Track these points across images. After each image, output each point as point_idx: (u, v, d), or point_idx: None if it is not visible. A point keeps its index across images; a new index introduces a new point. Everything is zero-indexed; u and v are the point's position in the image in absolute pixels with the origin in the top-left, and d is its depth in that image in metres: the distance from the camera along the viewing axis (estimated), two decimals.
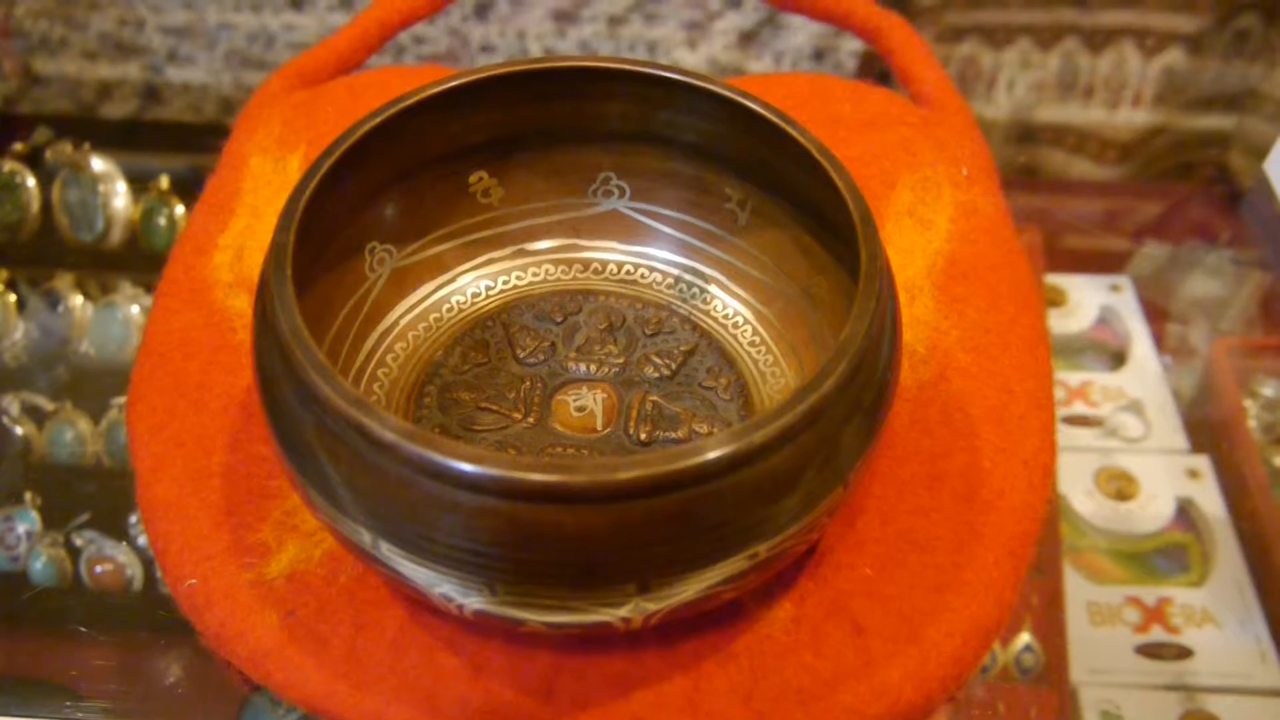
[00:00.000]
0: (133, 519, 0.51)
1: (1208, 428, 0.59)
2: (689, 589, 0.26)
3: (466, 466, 0.24)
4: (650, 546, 0.25)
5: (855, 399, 0.27)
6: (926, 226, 0.39)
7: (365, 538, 0.26)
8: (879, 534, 0.32)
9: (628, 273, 0.38)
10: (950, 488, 0.33)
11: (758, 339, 0.36)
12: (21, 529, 0.51)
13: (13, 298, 0.59)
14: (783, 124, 0.32)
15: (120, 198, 0.60)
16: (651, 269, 0.38)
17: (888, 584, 0.31)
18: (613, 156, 0.37)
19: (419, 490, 0.25)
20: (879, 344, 0.28)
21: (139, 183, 0.61)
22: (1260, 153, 0.69)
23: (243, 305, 0.37)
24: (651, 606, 0.26)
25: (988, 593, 0.31)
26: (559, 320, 0.37)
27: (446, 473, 0.24)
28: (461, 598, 0.26)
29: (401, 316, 0.36)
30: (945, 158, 0.42)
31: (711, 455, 0.24)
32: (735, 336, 0.36)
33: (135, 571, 0.50)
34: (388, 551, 0.26)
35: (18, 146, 0.63)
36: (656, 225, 0.38)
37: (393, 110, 0.32)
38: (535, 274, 0.38)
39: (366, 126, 0.32)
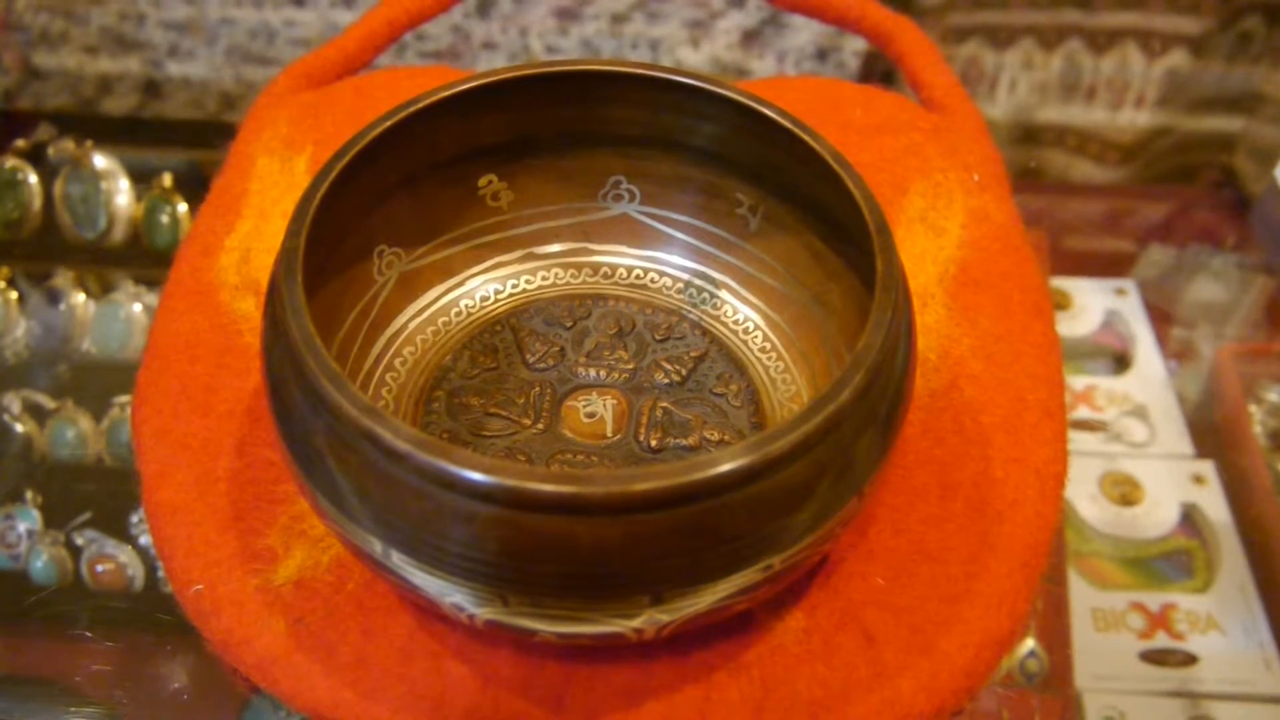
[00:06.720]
0: (134, 518, 0.51)
1: (1213, 433, 0.58)
2: (702, 601, 0.26)
3: (479, 477, 0.23)
4: (664, 559, 0.25)
5: (871, 410, 0.26)
6: (938, 233, 0.39)
7: (376, 547, 0.26)
8: (891, 544, 0.32)
9: (638, 277, 0.38)
10: (962, 497, 0.33)
11: (768, 345, 0.36)
12: (22, 527, 0.51)
13: (14, 295, 0.58)
14: (797, 130, 0.32)
15: (122, 195, 0.60)
16: (662, 274, 0.38)
17: (900, 594, 0.31)
18: (623, 160, 0.37)
19: (431, 500, 0.24)
20: (894, 354, 0.28)
21: (139, 177, 0.61)
22: (1266, 156, 0.69)
23: (249, 308, 0.37)
24: (664, 618, 0.26)
25: (1000, 604, 0.31)
26: (568, 325, 0.37)
27: (459, 483, 0.24)
28: (473, 608, 0.26)
29: (410, 320, 0.36)
30: (957, 164, 0.41)
31: (727, 467, 0.24)
32: (746, 342, 0.36)
33: (137, 571, 0.50)
34: (399, 561, 0.26)
35: (20, 143, 0.62)
36: (667, 230, 0.38)
37: (403, 114, 0.32)
38: (545, 278, 0.38)
39: (376, 130, 0.31)
